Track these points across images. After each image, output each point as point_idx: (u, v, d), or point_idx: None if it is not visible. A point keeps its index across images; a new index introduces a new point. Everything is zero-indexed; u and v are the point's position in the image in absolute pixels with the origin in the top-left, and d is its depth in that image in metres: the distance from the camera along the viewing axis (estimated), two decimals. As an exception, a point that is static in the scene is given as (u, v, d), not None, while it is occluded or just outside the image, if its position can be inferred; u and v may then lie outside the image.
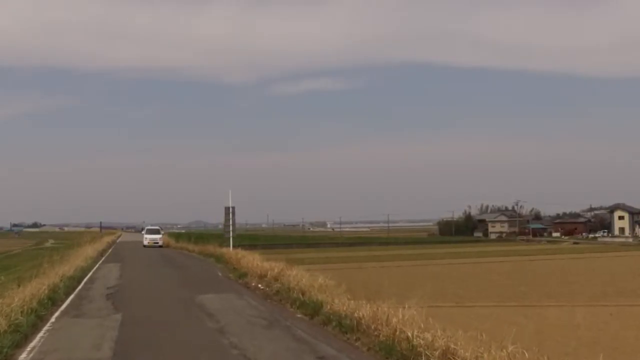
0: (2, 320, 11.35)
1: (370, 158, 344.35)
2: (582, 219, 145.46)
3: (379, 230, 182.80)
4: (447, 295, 24.88)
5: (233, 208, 36.09)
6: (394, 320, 10.41)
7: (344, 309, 12.56)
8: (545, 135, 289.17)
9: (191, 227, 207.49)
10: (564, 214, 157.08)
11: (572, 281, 32.87)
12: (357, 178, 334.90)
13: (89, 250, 36.69)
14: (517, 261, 52.39)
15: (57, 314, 14.44)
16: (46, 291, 15.86)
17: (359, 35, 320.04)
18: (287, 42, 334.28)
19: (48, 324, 12.91)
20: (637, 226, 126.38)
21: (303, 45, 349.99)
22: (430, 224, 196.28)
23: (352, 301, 13.01)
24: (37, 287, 15.72)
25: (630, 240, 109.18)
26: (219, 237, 48.14)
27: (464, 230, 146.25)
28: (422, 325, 10.03)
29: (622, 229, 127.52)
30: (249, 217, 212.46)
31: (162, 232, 59.49)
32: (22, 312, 12.52)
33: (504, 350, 8.18)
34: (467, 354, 8.30)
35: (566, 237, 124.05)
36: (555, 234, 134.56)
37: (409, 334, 9.49)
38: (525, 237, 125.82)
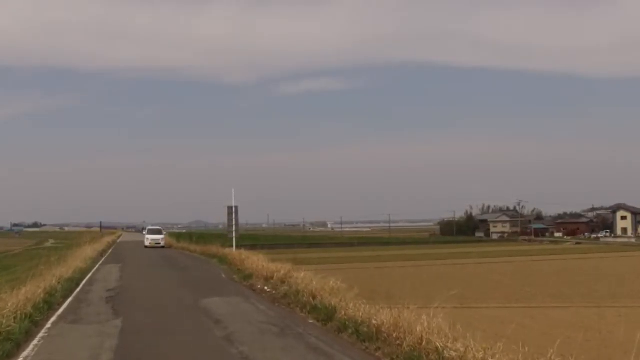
0: (-7, 327, 10.53)
1: (371, 158, 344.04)
2: (584, 219, 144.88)
3: (380, 230, 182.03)
4: (453, 296, 24.35)
5: (236, 207, 35.20)
6: (418, 328, 9.57)
7: (360, 314, 11.72)
8: (545, 135, 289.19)
9: (191, 227, 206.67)
10: (565, 214, 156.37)
11: (578, 282, 32.50)
12: (357, 178, 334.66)
13: (89, 251, 35.83)
14: (521, 262, 52.06)
15: (53, 318, 13.60)
16: (42, 294, 15.01)
17: (359, 35, 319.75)
18: (287, 42, 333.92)
19: (43, 331, 12.07)
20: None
21: (303, 45, 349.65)
22: (431, 224, 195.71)
23: (367, 305, 12.19)
24: (32, 290, 14.86)
25: (633, 240, 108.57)
26: (221, 237, 47.29)
27: (465, 230, 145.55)
28: (450, 334, 9.21)
29: (624, 229, 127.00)
30: (249, 217, 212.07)
31: (165, 233, 58.20)
32: (15, 317, 11.67)
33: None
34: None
35: (568, 238, 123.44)
36: (557, 234, 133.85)
37: (438, 345, 8.64)
38: (527, 238, 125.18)
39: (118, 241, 71.37)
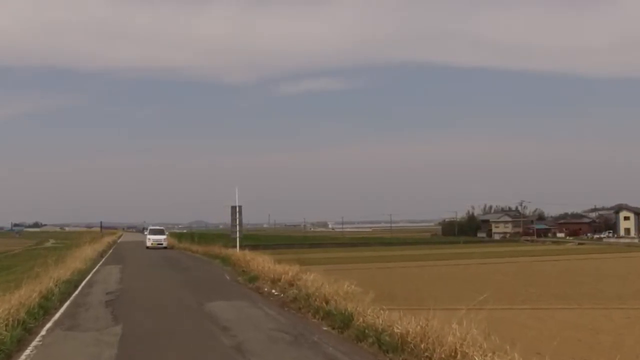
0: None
1: (371, 158, 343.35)
2: (586, 220, 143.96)
3: (381, 230, 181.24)
4: (457, 297, 23.65)
5: (240, 207, 34.24)
6: (449, 337, 8.68)
7: (380, 321, 10.82)
8: (545, 135, 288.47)
9: (192, 227, 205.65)
10: (566, 214, 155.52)
11: (582, 283, 32.13)
12: (357, 178, 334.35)
13: (89, 251, 34.96)
14: (524, 262, 51.83)
15: (49, 324, 12.70)
16: (37, 299, 14.11)
17: (359, 35, 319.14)
18: (287, 42, 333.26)
19: (37, 339, 11.16)
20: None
21: (303, 45, 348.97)
22: (432, 224, 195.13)
23: (386, 311, 11.30)
24: (27, 293, 13.97)
25: (636, 241, 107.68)
26: (223, 237, 46.46)
27: (467, 230, 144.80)
28: (485, 344, 8.32)
29: (627, 230, 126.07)
30: (250, 217, 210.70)
31: (167, 233, 56.74)
32: (6, 325, 10.78)
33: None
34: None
35: (571, 238, 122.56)
36: (559, 235, 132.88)
37: None
38: (529, 238, 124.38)
39: (118, 241, 70.57)
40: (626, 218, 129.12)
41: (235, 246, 34.36)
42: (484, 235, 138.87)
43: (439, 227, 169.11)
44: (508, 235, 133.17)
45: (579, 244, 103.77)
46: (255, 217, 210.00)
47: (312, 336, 11.22)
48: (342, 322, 11.81)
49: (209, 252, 38.53)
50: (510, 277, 35.55)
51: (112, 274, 25.13)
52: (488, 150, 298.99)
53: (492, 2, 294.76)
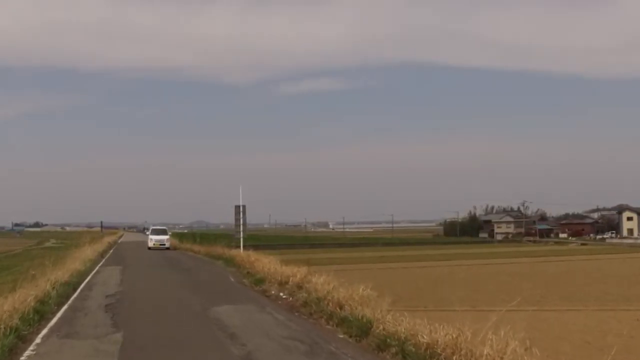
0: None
1: (371, 158, 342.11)
2: (588, 220, 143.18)
3: (382, 230, 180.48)
4: (462, 298, 23.00)
5: (244, 207, 33.35)
6: (485, 349, 7.85)
7: (402, 329, 9.98)
8: (546, 135, 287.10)
9: (193, 227, 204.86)
10: (567, 214, 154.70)
11: (588, 284, 31.79)
12: (358, 178, 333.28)
13: (88, 252, 34.12)
14: (528, 263, 51.59)
15: (44, 331, 11.88)
16: (32, 303, 13.28)
17: (359, 35, 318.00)
18: (287, 42, 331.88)
19: (31, 347, 10.33)
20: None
21: (303, 45, 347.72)
22: (432, 224, 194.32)
23: (407, 317, 10.47)
24: (22, 298, 13.15)
25: None
26: (225, 238, 45.57)
27: (469, 230, 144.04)
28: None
29: (630, 230, 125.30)
30: (250, 217, 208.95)
31: (170, 233, 55.09)
32: (-3, 333, 9.98)
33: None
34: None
35: (573, 238, 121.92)
36: (562, 235, 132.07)
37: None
38: (532, 238, 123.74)
39: (119, 241, 69.79)
40: (629, 218, 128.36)
41: (238, 246, 33.57)
42: (485, 235, 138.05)
43: (441, 228, 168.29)
44: (510, 236, 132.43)
45: (582, 244, 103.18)
46: (255, 217, 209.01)
47: (328, 345, 10.36)
48: (360, 330, 10.97)
49: (211, 252, 37.72)
50: (515, 278, 35.02)
51: (113, 276, 24.27)
52: (489, 150, 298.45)
53: (492, 2, 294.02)
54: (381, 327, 10.50)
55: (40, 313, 13.28)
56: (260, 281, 20.24)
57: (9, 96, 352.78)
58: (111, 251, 46.65)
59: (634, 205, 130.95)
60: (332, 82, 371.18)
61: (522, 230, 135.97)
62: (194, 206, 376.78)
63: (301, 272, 18.15)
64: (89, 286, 20.44)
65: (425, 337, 9.14)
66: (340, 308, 12.73)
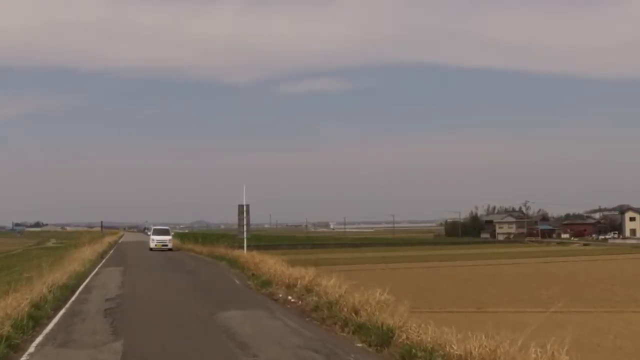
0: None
1: (372, 158, 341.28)
2: (590, 220, 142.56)
3: (383, 230, 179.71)
4: (467, 299, 22.95)
5: (247, 206, 32.50)
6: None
7: (428, 338, 9.16)
8: (547, 135, 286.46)
9: (193, 227, 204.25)
10: (568, 215, 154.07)
11: (593, 285, 31.06)
12: (358, 178, 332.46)
13: (88, 253, 33.25)
14: (531, 263, 50.76)
15: (39, 338, 11.06)
16: (27, 308, 12.46)
17: (359, 35, 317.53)
18: (287, 42, 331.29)
19: (23, 358, 9.52)
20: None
21: (303, 45, 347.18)
22: (433, 224, 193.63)
23: (428, 325, 9.64)
24: (15, 303, 12.32)
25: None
26: (227, 238, 44.82)
27: (470, 231, 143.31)
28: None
29: (633, 231, 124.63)
30: (251, 217, 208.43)
31: (172, 233, 53.37)
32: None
33: None
34: None
35: (576, 239, 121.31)
36: (564, 236, 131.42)
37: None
38: (534, 239, 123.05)
39: (119, 242, 69.00)
40: (632, 219, 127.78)
41: (241, 246, 32.79)
42: (487, 236, 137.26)
43: (442, 228, 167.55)
44: (512, 236, 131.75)
45: (584, 245, 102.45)
46: (256, 217, 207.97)
47: (347, 356, 9.52)
48: (380, 338, 10.14)
49: (213, 253, 36.89)
50: (520, 279, 34.24)
51: (113, 278, 23.40)
52: (490, 150, 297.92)
53: (492, 2, 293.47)
54: (404, 335, 9.69)
55: (35, 319, 12.47)
56: (266, 283, 19.40)
57: (9, 96, 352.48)
58: (111, 252, 45.82)
59: (635, 205, 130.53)
60: (332, 82, 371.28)
61: (524, 230, 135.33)
62: (194, 206, 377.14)
63: (309, 274, 17.35)
64: (88, 288, 19.59)
65: (455, 347, 8.32)
66: (356, 313, 11.91)
